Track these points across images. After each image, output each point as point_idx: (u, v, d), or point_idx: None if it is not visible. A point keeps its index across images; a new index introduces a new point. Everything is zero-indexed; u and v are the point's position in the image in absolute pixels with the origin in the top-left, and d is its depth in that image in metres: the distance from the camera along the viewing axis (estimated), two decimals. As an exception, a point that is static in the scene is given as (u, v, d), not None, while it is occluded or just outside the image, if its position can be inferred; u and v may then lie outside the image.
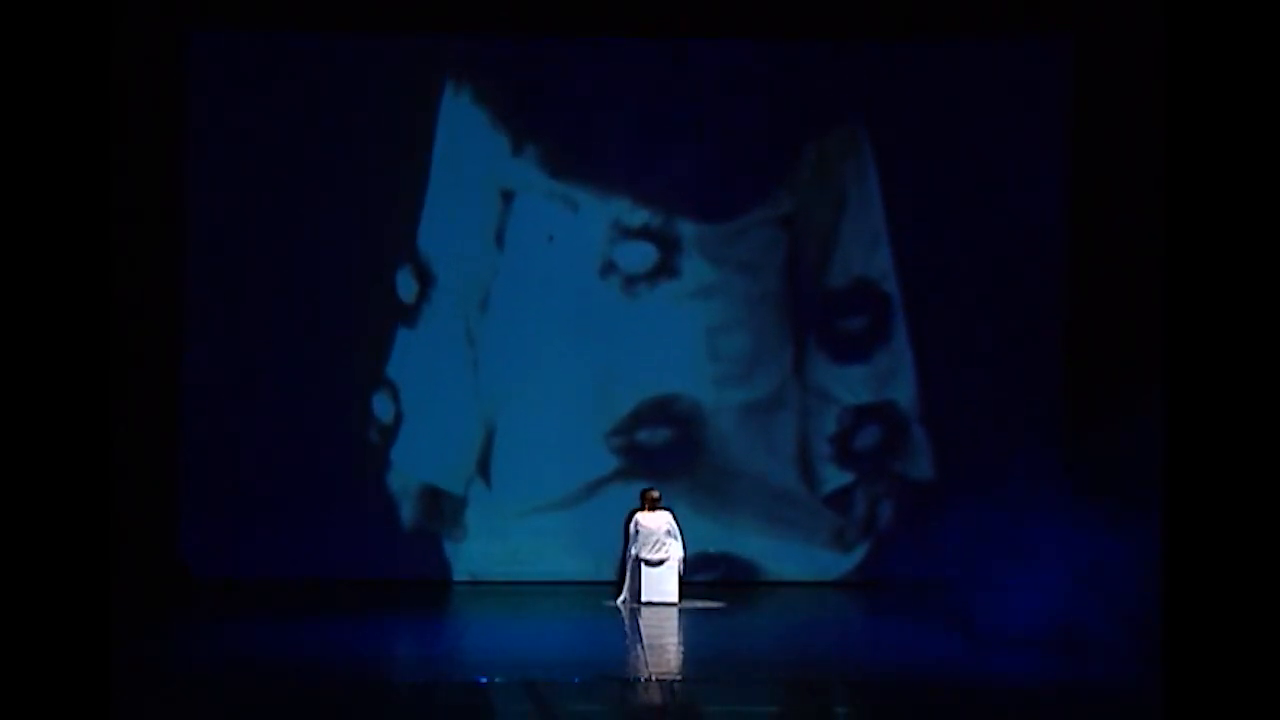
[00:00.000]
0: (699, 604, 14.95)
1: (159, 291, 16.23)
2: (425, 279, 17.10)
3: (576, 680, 10.48)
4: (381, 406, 16.98)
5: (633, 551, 14.95)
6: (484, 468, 17.00)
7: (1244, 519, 6.04)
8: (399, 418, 16.99)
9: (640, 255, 17.23)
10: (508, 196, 17.18)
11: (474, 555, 16.85)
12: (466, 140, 17.19)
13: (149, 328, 15.98)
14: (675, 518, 15.16)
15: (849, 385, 17.23)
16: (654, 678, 10.61)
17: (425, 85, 17.17)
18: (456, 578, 16.79)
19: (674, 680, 10.67)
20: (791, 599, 16.18)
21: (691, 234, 17.25)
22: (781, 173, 17.27)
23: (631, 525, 15.06)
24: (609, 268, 17.22)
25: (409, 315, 17.11)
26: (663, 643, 12.75)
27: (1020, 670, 10.96)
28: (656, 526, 14.96)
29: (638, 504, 15.30)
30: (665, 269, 17.25)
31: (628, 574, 15.01)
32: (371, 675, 11.10)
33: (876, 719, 10.00)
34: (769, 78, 17.26)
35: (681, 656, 12.30)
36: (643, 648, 12.38)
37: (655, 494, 15.28)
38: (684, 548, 15.06)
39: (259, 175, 16.73)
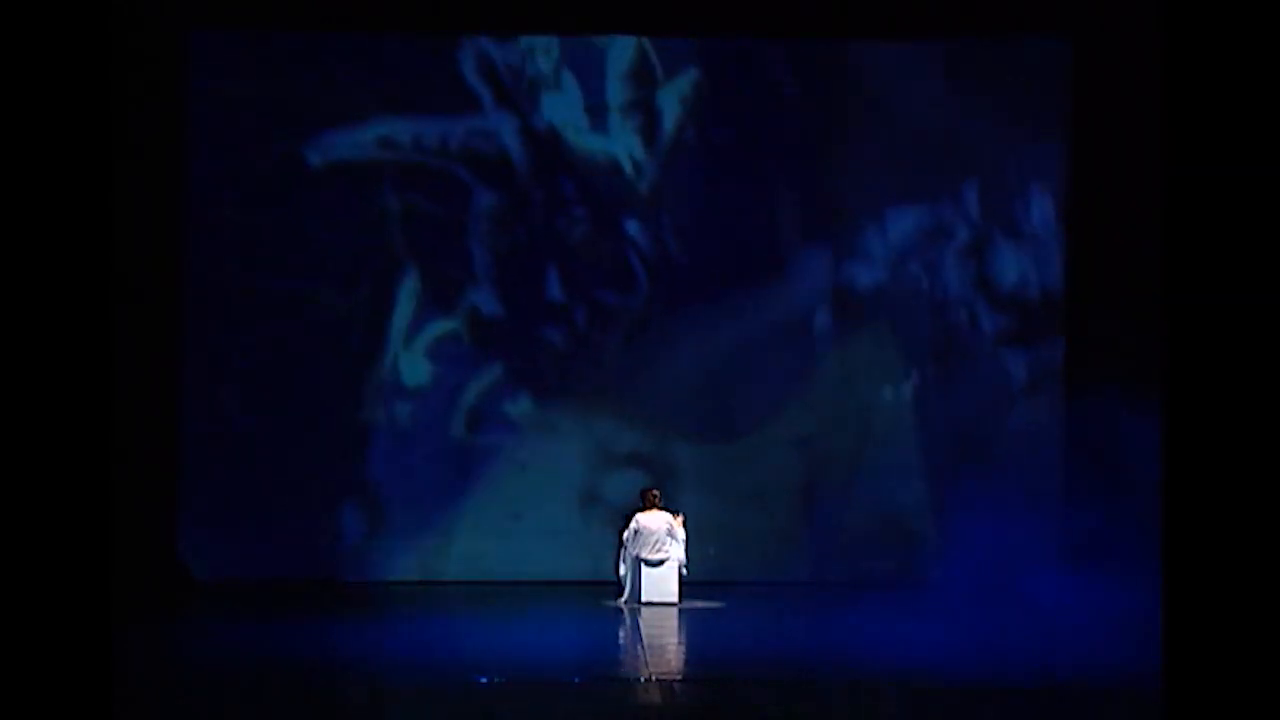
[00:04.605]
0: (699, 604, 14.95)
1: (159, 291, 16.21)
2: (376, 519, 15.84)
3: (576, 680, 10.48)
4: None
5: (633, 551, 14.94)
6: None
7: (1243, 529, 6.05)
8: None
9: (629, 486, 15.50)
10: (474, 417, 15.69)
11: (474, 556, 16.75)
12: None
13: (149, 328, 15.96)
14: (676, 518, 15.14)
15: None
16: (654, 678, 10.61)
17: (375, 279, 15.63)
18: (456, 578, 16.69)
19: (674, 680, 10.67)
20: (792, 599, 16.16)
21: (689, 459, 15.64)
22: (797, 385, 15.53)
23: (631, 525, 15.03)
24: (591, 500, 15.88)
25: (354, 559, 15.77)
26: (663, 643, 12.75)
27: (1021, 670, 10.97)
28: (657, 527, 14.93)
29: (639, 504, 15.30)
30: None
31: (628, 574, 15.01)
32: (371, 675, 11.11)
33: (877, 719, 10.00)
34: (779, 268, 15.45)
35: (681, 656, 12.31)
36: (643, 648, 12.38)
37: (656, 494, 15.23)
38: (685, 548, 15.06)
39: (259, 175, 16.43)
